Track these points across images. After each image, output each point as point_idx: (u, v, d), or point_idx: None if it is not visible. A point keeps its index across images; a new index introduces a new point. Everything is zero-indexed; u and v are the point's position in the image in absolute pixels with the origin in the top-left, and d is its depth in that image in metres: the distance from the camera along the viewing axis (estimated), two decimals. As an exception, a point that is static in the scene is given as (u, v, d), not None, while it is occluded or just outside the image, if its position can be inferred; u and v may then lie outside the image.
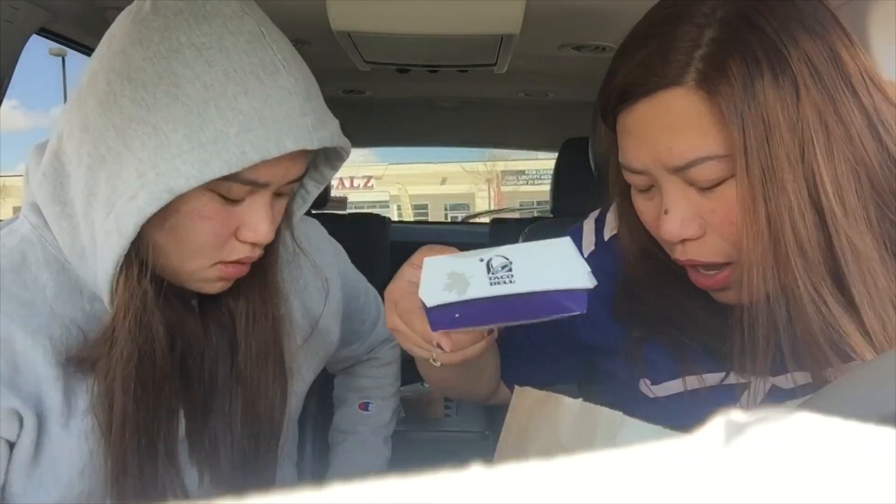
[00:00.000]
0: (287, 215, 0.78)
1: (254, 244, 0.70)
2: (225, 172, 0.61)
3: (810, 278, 0.58)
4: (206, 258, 0.68)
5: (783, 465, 0.14)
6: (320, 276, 0.90)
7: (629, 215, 0.72)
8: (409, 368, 1.01)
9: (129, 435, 0.67)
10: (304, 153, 0.69)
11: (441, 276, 0.52)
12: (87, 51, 1.45)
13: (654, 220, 0.66)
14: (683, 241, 0.63)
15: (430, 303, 0.51)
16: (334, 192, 2.13)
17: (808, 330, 0.59)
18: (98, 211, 0.63)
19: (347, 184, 23.88)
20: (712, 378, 0.68)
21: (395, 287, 0.61)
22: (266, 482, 0.82)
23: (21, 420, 0.66)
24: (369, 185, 25.91)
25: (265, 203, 0.68)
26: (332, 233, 1.00)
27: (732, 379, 0.67)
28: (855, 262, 0.58)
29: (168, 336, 0.69)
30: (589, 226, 0.83)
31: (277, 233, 0.75)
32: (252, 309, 0.77)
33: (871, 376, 0.39)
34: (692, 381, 0.69)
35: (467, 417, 2.02)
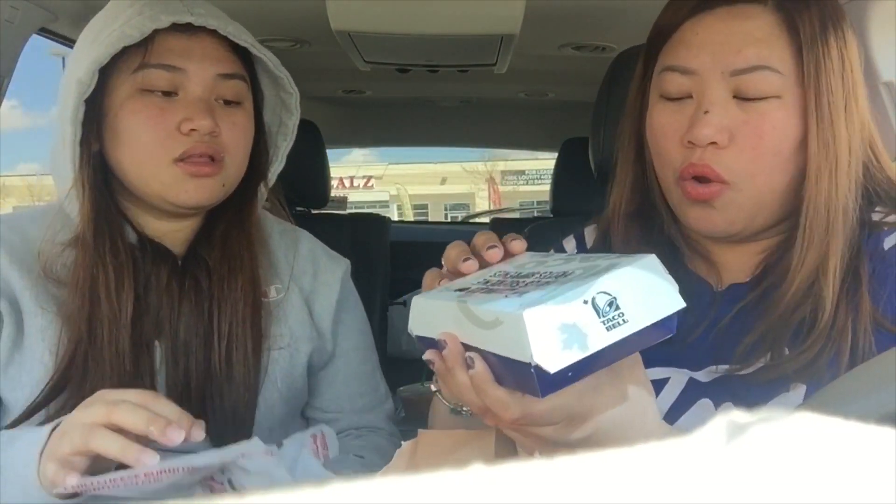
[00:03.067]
0: (263, 169, 0.91)
1: (196, 131, 0.79)
2: (112, 52, 0.76)
3: (847, 198, 0.66)
4: (157, 157, 0.79)
5: (784, 465, 0.14)
6: (314, 262, 0.96)
7: (632, 173, 0.78)
8: (408, 369, 0.99)
9: (71, 357, 0.77)
10: (222, 50, 0.82)
11: (550, 331, 0.43)
12: (87, 51, 1.45)
13: (676, 131, 0.70)
14: (707, 145, 0.67)
15: (553, 367, 0.42)
16: (334, 192, 2.13)
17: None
18: (64, 125, 0.79)
19: (347, 184, 23.89)
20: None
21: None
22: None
23: (0, 315, 0.78)
24: (369, 185, 25.91)
25: (200, 96, 0.80)
26: (331, 232, 1.01)
27: (653, 374, 0.69)
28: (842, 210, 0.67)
29: (137, 277, 0.80)
30: (569, 242, 0.88)
31: (250, 179, 0.88)
32: (228, 256, 0.85)
33: (871, 376, 0.39)
34: None
35: None
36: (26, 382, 0.77)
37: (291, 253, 0.95)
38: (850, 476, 0.14)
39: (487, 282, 0.51)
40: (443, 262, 0.56)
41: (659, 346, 0.70)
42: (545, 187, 2.67)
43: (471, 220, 5.02)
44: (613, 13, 1.36)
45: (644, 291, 0.45)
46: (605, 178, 1.17)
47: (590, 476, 0.14)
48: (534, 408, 0.46)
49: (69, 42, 1.40)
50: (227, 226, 0.87)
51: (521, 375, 0.44)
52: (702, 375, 0.68)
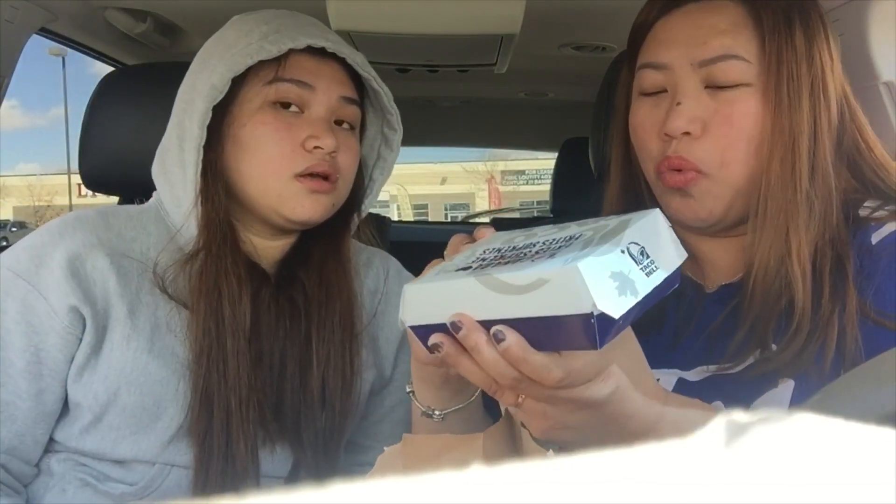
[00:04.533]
0: (359, 199, 0.92)
1: (320, 150, 0.80)
2: (249, 63, 0.78)
3: (809, 182, 0.67)
4: (280, 170, 0.80)
5: (784, 466, 0.14)
6: (386, 284, 0.96)
7: (623, 172, 0.80)
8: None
9: (204, 368, 0.77)
10: (345, 76, 0.85)
11: (605, 280, 0.43)
12: (87, 51, 1.45)
13: (654, 125, 0.71)
14: (681, 135, 0.69)
15: (617, 313, 0.43)
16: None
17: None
18: (187, 135, 0.80)
19: (347, 184, 23.77)
20: None
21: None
22: (331, 464, 0.85)
23: (84, 321, 0.77)
24: (369, 185, 25.82)
25: (322, 116, 0.83)
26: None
27: None
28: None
29: (245, 291, 0.80)
30: None
31: (347, 208, 0.88)
32: (325, 283, 0.85)
33: (871, 376, 0.39)
34: None
35: None
36: (99, 389, 0.77)
37: (374, 277, 0.96)
38: (851, 476, 0.14)
39: (484, 259, 0.50)
40: (445, 255, 0.56)
41: (648, 349, 0.70)
42: (545, 187, 2.68)
43: (471, 220, 5.03)
44: (613, 13, 1.36)
45: (662, 241, 0.48)
46: (605, 178, 1.17)
47: (590, 476, 0.14)
48: (572, 365, 0.47)
49: (69, 42, 1.40)
50: (323, 253, 0.88)
51: (568, 332, 0.44)
52: (692, 375, 0.69)
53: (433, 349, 0.50)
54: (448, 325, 0.48)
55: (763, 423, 0.15)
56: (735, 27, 0.69)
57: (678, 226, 0.75)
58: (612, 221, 0.49)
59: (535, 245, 0.50)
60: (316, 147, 0.81)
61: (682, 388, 0.68)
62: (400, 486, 0.14)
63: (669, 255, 0.48)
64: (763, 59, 0.67)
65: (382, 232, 2.44)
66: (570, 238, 0.48)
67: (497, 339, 0.46)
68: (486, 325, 0.46)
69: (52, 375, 0.77)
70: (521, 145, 3.43)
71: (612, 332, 0.44)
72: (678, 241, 0.49)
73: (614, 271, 0.44)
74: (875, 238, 0.68)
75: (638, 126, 0.74)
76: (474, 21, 1.24)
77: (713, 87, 0.69)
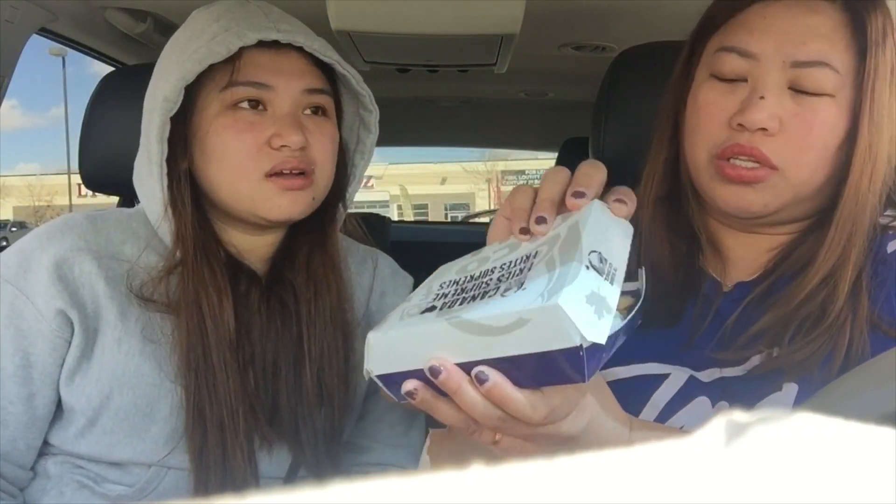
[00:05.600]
0: (343, 188, 0.90)
1: (287, 147, 0.78)
2: (199, 69, 0.75)
3: (875, 199, 0.67)
4: (248, 172, 0.78)
5: (784, 466, 0.14)
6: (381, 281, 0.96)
7: (666, 154, 0.77)
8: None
9: (193, 384, 0.77)
10: (307, 65, 0.81)
11: (583, 307, 0.41)
12: (87, 51, 1.45)
13: (724, 111, 0.69)
14: (756, 130, 0.67)
15: (602, 338, 0.41)
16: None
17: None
18: (152, 148, 0.78)
19: (347, 184, 23.78)
20: (639, 368, 0.70)
21: None
22: (333, 464, 0.85)
23: (72, 325, 0.77)
24: (369, 184, 25.91)
25: (288, 112, 0.79)
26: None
27: (653, 369, 0.69)
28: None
29: (232, 301, 0.79)
30: None
31: (331, 198, 0.86)
32: (313, 279, 0.84)
33: (871, 376, 0.39)
34: (621, 371, 0.71)
35: None
36: (91, 391, 0.77)
37: (369, 275, 0.95)
38: (850, 476, 0.14)
39: (445, 294, 0.49)
40: (509, 206, 0.53)
41: (663, 344, 0.70)
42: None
43: (471, 220, 5.03)
44: (613, 13, 1.36)
45: (609, 233, 0.48)
46: (613, 172, 1.17)
47: (590, 476, 0.14)
48: (554, 401, 0.46)
49: (69, 42, 1.40)
50: (310, 248, 0.86)
51: (554, 367, 0.42)
52: (704, 376, 0.69)
53: (407, 396, 0.47)
54: (425, 370, 0.45)
55: (763, 422, 0.15)
56: (833, 33, 0.66)
57: (718, 214, 0.75)
58: (562, 229, 0.47)
59: (492, 272, 0.48)
60: (283, 146, 0.78)
61: (692, 386, 0.68)
62: (400, 486, 0.14)
63: (621, 244, 0.47)
64: (853, 72, 0.66)
65: (382, 232, 2.44)
66: (527, 258, 0.47)
67: (479, 381, 0.44)
68: (463, 366, 0.45)
69: (43, 379, 0.77)
70: (521, 145, 3.43)
71: (597, 360, 0.43)
72: (620, 219, 0.49)
73: (587, 294, 0.42)
74: (891, 247, 0.68)
75: (703, 108, 0.71)
76: (474, 21, 1.24)
77: (796, 90, 0.67)
